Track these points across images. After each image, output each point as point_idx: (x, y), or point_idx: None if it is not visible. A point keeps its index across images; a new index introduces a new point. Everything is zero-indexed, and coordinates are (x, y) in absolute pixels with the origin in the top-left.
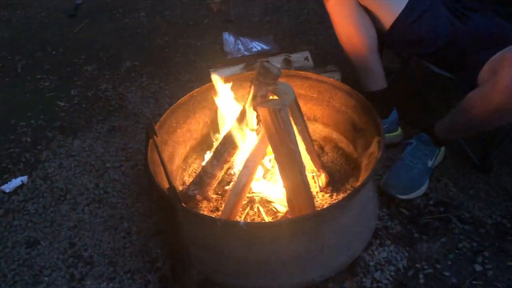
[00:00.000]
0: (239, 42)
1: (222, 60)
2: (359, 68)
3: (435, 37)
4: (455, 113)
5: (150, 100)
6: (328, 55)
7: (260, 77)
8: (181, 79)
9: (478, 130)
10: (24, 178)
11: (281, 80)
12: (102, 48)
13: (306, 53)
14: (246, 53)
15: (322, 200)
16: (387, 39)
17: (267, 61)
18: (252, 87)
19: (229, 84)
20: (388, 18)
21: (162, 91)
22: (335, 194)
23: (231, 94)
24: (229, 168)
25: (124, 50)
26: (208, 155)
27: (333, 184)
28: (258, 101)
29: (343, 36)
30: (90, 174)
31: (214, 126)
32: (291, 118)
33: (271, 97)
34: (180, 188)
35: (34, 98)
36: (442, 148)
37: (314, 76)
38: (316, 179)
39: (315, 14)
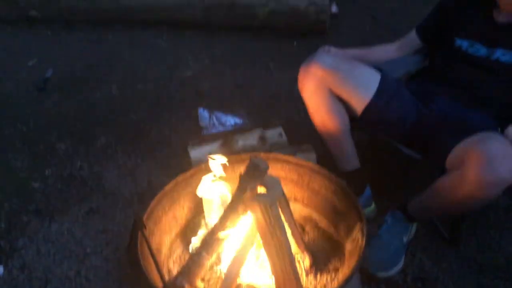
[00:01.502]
0: (214, 117)
1: (198, 135)
2: (333, 150)
3: (403, 121)
4: (427, 196)
5: (127, 178)
6: (300, 129)
7: (249, 172)
8: (157, 155)
9: (451, 214)
10: (0, 269)
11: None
12: (75, 123)
13: (280, 129)
14: (220, 127)
15: (307, 282)
16: (359, 123)
17: (256, 156)
18: (241, 181)
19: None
20: (359, 105)
21: (138, 168)
22: (319, 274)
23: (222, 184)
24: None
25: (97, 125)
26: (194, 241)
27: (316, 265)
28: (248, 195)
29: (318, 122)
30: (70, 260)
31: (198, 210)
32: (280, 211)
33: (259, 189)
34: (166, 276)
35: (6, 179)
36: (415, 225)
37: (293, 160)
38: (301, 262)
39: (284, 86)
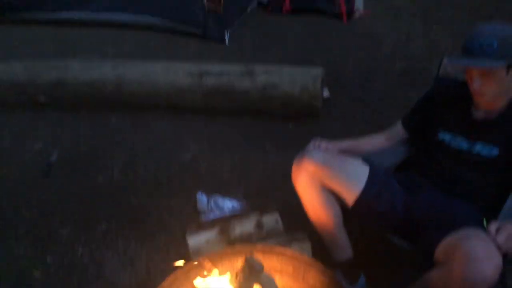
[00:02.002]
0: (212, 201)
1: (196, 220)
2: (327, 240)
3: (392, 212)
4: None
5: (127, 267)
6: (296, 213)
7: (245, 272)
8: (157, 241)
9: None
10: None
11: (260, 256)
12: (77, 208)
13: (276, 215)
14: (218, 212)
15: None
16: (351, 214)
17: (251, 257)
18: (238, 281)
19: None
20: (350, 198)
21: (138, 255)
22: None
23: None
24: None
25: (99, 210)
26: None
27: None
28: None
29: (311, 214)
30: None
31: None
32: None
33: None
34: None
35: (7, 268)
36: None
37: (289, 252)
38: None
39: (280, 168)
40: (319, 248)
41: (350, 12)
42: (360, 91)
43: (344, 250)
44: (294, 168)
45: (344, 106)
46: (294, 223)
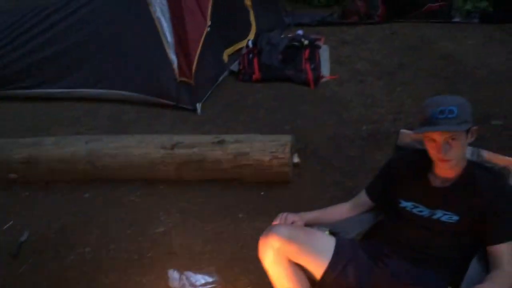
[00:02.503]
0: (184, 277)
1: None
2: None
3: (359, 284)
4: None
5: None
6: (268, 285)
7: None
8: None
9: None
10: None
11: None
12: None
13: None
14: None
15: None
16: None
17: None
18: None
19: None
20: (317, 271)
21: None
22: None
23: None
24: None
25: None
26: None
27: None
28: None
29: None
30: None
31: None
32: None
33: None
34: None
35: None
36: None
37: None
38: None
39: (253, 237)
40: None
41: (317, 78)
42: (329, 155)
43: None
44: (261, 244)
45: (314, 171)
46: None
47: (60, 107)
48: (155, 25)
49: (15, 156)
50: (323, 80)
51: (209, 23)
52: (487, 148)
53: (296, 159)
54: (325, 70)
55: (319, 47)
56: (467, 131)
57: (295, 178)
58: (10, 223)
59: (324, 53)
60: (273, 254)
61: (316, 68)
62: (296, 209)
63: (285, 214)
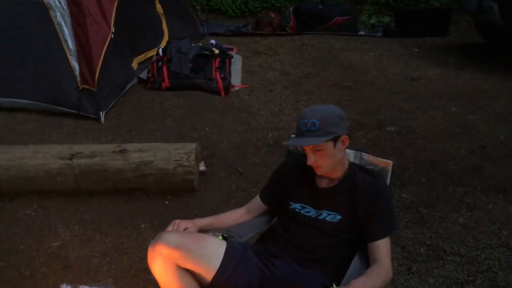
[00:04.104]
0: None
1: None
2: None
3: (249, 286)
4: None
5: None
6: None
7: None
8: None
9: None
10: None
11: None
12: None
13: None
14: None
15: None
16: None
17: None
18: None
19: None
20: (207, 275)
21: None
22: None
23: None
24: None
25: None
26: None
27: None
28: None
29: None
30: None
31: None
32: None
33: None
34: None
35: None
36: None
37: None
38: None
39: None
40: None
41: (227, 87)
42: (235, 162)
43: None
44: (149, 253)
45: (220, 178)
46: None
47: None
48: (56, 30)
49: None
50: (234, 89)
51: (113, 29)
52: (382, 151)
53: (202, 167)
54: (237, 79)
55: (230, 56)
56: (335, 140)
57: (201, 185)
58: None
59: (237, 63)
60: (161, 261)
61: (226, 77)
62: (200, 216)
63: (178, 221)
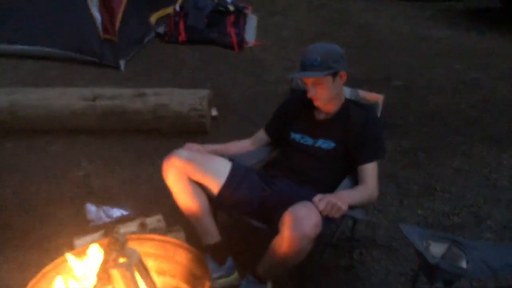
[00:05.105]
0: (101, 211)
1: (85, 227)
2: (196, 227)
3: (250, 200)
4: (266, 256)
5: (17, 273)
6: (178, 215)
7: (110, 246)
8: (46, 248)
9: (285, 268)
10: None
11: (134, 243)
12: None
13: (159, 216)
14: (107, 219)
15: None
16: (216, 203)
17: (116, 232)
18: (104, 254)
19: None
20: (214, 188)
21: (28, 261)
22: None
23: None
24: None
25: None
26: None
27: None
28: (111, 265)
29: (181, 204)
30: None
31: None
32: (138, 275)
33: (121, 259)
34: None
35: None
36: (270, 284)
37: (159, 237)
38: None
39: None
40: (194, 237)
41: (241, 42)
42: (246, 110)
43: (212, 234)
44: (164, 165)
45: (231, 123)
46: (178, 223)
47: None
48: None
49: None
50: (248, 45)
51: None
52: (389, 103)
53: (214, 112)
54: (251, 36)
55: (245, 14)
56: (334, 75)
57: (213, 129)
58: None
59: (251, 21)
60: (175, 172)
61: (240, 33)
62: None
63: (190, 144)
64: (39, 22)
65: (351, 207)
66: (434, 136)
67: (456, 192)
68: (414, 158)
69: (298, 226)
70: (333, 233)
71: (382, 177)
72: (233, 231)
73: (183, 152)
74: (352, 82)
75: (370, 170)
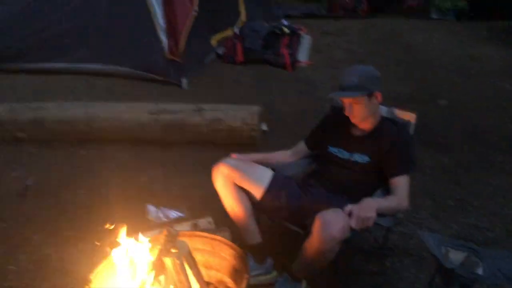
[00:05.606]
0: (160, 212)
1: (146, 225)
2: (240, 228)
3: (289, 206)
4: (301, 256)
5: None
6: (226, 218)
7: (165, 238)
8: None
9: (317, 266)
10: None
11: (186, 238)
12: (48, 221)
13: (210, 218)
14: (165, 219)
15: None
16: (258, 208)
17: (171, 227)
18: (161, 244)
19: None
20: (257, 194)
21: (94, 251)
22: None
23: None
24: None
25: (66, 222)
26: None
27: None
28: (164, 254)
29: (227, 207)
30: None
31: None
32: (186, 265)
33: (173, 250)
34: None
35: None
36: (304, 282)
37: (208, 235)
38: None
39: None
40: (238, 237)
41: (294, 62)
42: (294, 126)
43: (254, 236)
44: (213, 172)
45: (280, 137)
46: (225, 225)
47: (63, 80)
48: (148, 9)
49: (23, 117)
50: (300, 65)
51: (196, 8)
52: (431, 122)
53: (264, 127)
54: (304, 56)
55: (299, 35)
56: (370, 95)
57: (262, 142)
58: (18, 172)
59: (305, 42)
60: (222, 178)
61: (294, 54)
62: None
63: (235, 154)
64: (111, 45)
65: (380, 215)
66: (475, 154)
67: (493, 208)
68: (454, 175)
69: (326, 228)
70: (366, 240)
71: (420, 192)
72: (274, 234)
73: (231, 160)
74: (397, 100)
75: (400, 183)
